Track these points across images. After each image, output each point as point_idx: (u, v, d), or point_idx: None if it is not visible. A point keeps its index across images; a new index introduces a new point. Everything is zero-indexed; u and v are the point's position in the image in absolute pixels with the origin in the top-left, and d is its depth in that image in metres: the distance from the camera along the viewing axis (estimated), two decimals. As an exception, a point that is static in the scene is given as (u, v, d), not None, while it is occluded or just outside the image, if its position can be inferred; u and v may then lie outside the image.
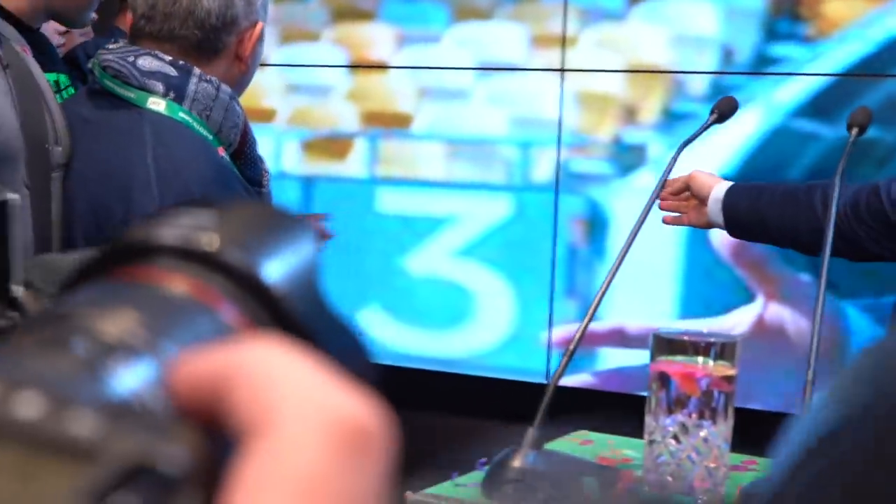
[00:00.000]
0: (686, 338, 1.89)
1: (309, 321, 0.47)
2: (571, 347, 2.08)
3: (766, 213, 2.29)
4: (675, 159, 2.31)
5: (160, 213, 0.50)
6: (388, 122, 4.28)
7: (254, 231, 0.51)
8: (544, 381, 3.90)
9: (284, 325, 0.47)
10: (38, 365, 0.41)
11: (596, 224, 3.89)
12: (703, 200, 2.45)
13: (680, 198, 2.50)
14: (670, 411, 1.87)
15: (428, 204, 4.17)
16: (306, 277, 0.50)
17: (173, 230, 0.49)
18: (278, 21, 4.14)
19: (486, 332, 4.11)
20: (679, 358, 1.88)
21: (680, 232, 3.62)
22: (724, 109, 2.47)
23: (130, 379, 0.42)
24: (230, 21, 2.00)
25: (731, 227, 2.45)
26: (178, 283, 0.47)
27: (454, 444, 2.08)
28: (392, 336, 4.12)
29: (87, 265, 0.48)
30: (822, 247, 2.08)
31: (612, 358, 3.88)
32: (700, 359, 1.88)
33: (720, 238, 3.53)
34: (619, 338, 3.85)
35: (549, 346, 4.01)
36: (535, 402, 2.21)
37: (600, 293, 2.19)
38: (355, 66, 4.33)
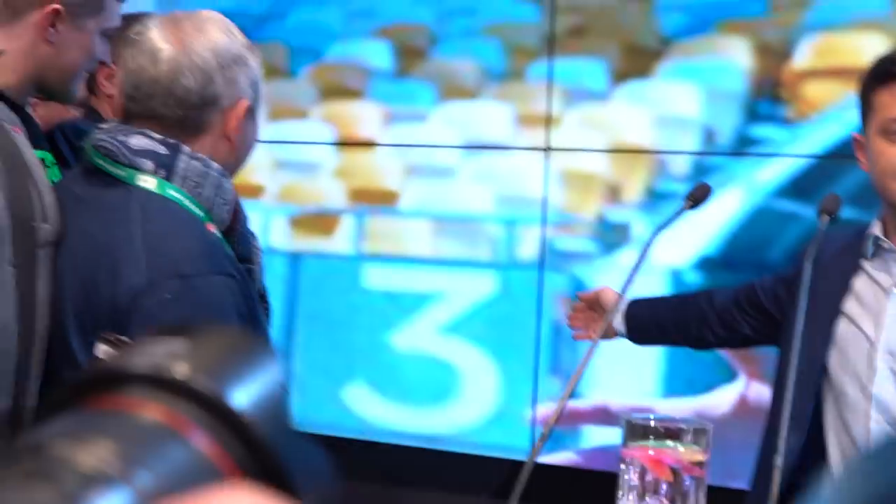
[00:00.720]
0: (657, 423, 1.89)
1: (275, 444, 0.49)
2: (548, 426, 2.06)
3: (663, 316, 2.42)
4: (649, 244, 2.30)
5: (132, 344, 0.52)
6: (374, 199, 4.29)
7: (223, 358, 0.52)
8: (525, 459, 3.94)
9: (252, 449, 0.48)
10: (22, 498, 0.43)
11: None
12: (604, 311, 2.74)
13: (587, 312, 2.81)
14: (642, 496, 1.87)
15: (414, 280, 4.17)
16: (273, 401, 0.51)
17: (145, 358, 0.49)
18: (267, 98, 4.15)
19: (470, 408, 4.09)
20: (650, 443, 1.89)
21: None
22: (697, 196, 2.50)
23: None
24: (211, 99, 2.01)
25: (632, 332, 2.78)
26: (150, 411, 0.48)
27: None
28: (377, 412, 4.11)
29: (61, 393, 0.49)
30: (793, 335, 2.13)
31: (597, 436, 3.87)
32: (671, 443, 1.89)
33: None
34: (604, 415, 3.84)
35: (534, 424, 3.99)
36: (514, 480, 2.24)
37: (578, 370, 2.16)
38: (343, 144, 4.34)
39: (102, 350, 1.60)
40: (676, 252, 3.70)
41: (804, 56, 3.73)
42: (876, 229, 2.38)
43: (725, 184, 3.76)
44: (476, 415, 4.09)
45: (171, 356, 0.50)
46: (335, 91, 4.26)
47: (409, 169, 4.27)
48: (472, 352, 4.08)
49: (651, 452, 1.88)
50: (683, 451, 1.88)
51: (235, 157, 2.13)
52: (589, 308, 2.82)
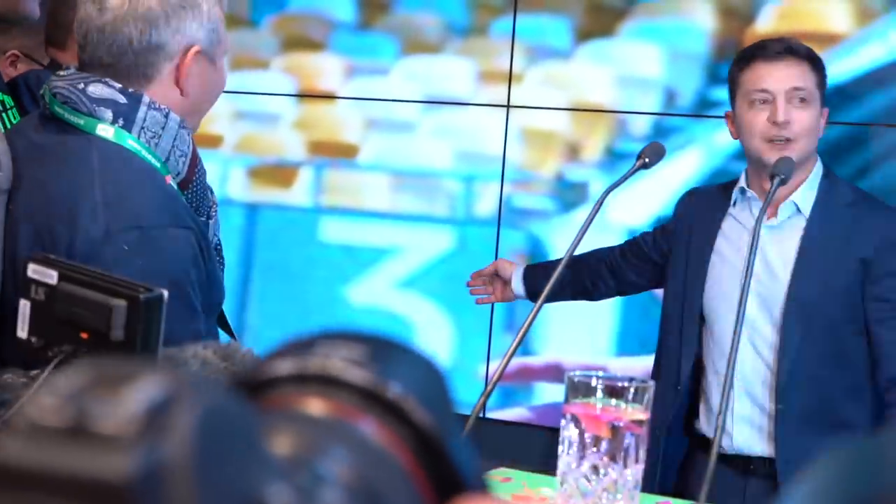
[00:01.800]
0: (599, 381, 1.87)
1: (440, 432, 0.55)
2: (492, 383, 2.16)
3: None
4: (600, 203, 2.38)
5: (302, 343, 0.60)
6: (334, 152, 4.30)
7: (398, 364, 0.60)
8: (480, 415, 3.94)
9: (422, 438, 0.55)
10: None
11: (537, 259, 3.89)
12: (507, 280, 3.26)
13: (486, 282, 3.32)
14: (582, 453, 1.86)
15: (371, 235, 4.19)
16: (436, 395, 0.58)
17: (357, 371, 0.57)
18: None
19: None
20: (592, 400, 1.88)
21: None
22: (650, 155, 2.61)
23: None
24: (155, 47, 1.96)
25: (531, 294, 3.23)
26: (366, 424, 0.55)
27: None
28: (332, 365, 4.11)
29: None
30: (741, 301, 2.26)
31: (549, 393, 3.88)
32: (613, 401, 1.87)
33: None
34: (557, 373, 3.84)
35: (486, 381, 3.99)
36: (470, 435, 2.23)
37: (522, 330, 2.22)
38: (303, 96, 4.35)
39: (32, 269, 1.55)
40: (635, 211, 3.71)
41: (768, 20, 3.76)
42: (741, 181, 2.96)
43: (685, 145, 3.80)
44: None
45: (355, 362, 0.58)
46: (297, 42, 4.25)
47: (369, 123, 4.28)
48: (428, 307, 4.11)
49: (591, 410, 1.86)
50: (624, 409, 1.86)
51: (192, 106, 2.08)
52: (490, 278, 3.32)
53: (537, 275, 3.26)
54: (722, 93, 3.75)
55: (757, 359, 2.92)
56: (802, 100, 2.87)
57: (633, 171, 2.56)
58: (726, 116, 3.00)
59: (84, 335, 1.45)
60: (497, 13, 4.08)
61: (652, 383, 1.92)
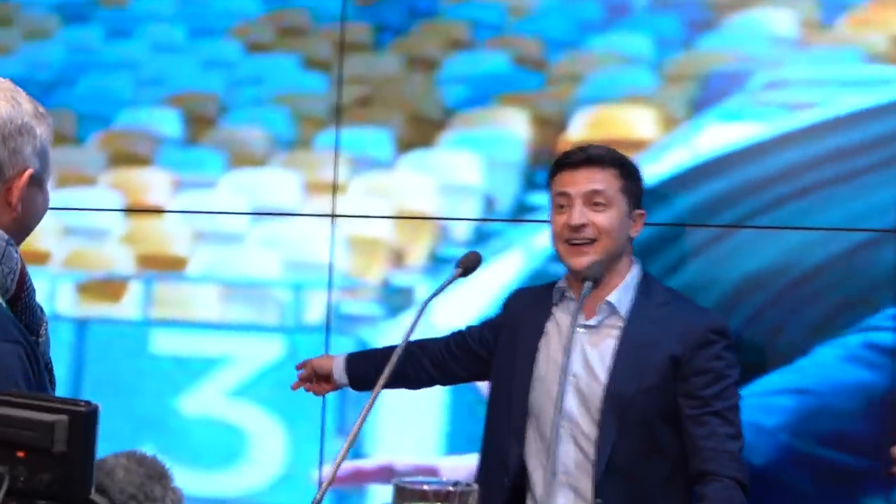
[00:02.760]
0: (425, 487, 1.90)
1: None
2: (323, 488, 2.16)
3: (381, 364, 2.53)
4: (420, 312, 2.48)
5: None
6: (163, 265, 4.24)
7: None
8: None
9: None
10: None
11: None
12: (325, 376, 3.37)
13: (308, 380, 3.42)
14: None
15: (202, 345, 4.13)
16: None
17: None
18: (54, 165, 4.10)
19: (259, 471, 4.07)
20: None
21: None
22: (467, 264, 2.75)
23: None
24: None
25: (354, 381, 3.34)
26: None
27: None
28: (166, 476, 4.04)
29: None
30: (558, 398, 2.26)
31: (382, 494, 3.87)
32: None
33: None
34: (389, 474, 3.84)
35: (320, 484, 3.95)
36: None
37: (352, 434, 2.27)
38: (131, 210, 4.30)
39: None
40: (460, 313, 3.71)
41: (578, 127, 3.83)
42: (562, 282, 3.07)
43: (505, 248, 3.85)
44: (264, 477, 4.07)
45: None
46: (124, 158, 4.21)
47: (197, 235, 4.24)
48: (260, 415, 4.06)
49: None
50: None
51: (20, 226, 2.08)
52: (312, 373, 3.41)
53: (359, 363, 3.36)
54: (538, 198, 3.85)
55: (579, 453, 2.95)
56: (599, 203, 2.96)
57: (451, 281, 2.66)
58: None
59: (20, 454, 1.52)
60: (321, 126, 4.10)
61: (476, 486, 1.94)
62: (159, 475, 1.86)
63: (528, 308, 3.13)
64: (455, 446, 3.80)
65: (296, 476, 3.96)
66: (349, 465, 3.93)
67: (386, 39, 4.10)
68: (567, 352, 2.66)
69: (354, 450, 3.92)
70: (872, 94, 3.56)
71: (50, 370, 2.20)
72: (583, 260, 2.96)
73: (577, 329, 2.89)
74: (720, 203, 3.67)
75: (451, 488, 1.90)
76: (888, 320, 3.51)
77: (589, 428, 2.94)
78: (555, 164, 3.10)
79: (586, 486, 2.95)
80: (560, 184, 3.04)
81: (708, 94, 3.71)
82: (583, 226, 2.97)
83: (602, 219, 2.97)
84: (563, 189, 3.02)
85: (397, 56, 4.08)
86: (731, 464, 2.88)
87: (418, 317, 2.45)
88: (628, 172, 3.06)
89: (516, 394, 3.02)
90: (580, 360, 2.95)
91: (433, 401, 3.83)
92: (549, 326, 3.06)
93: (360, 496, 3.91)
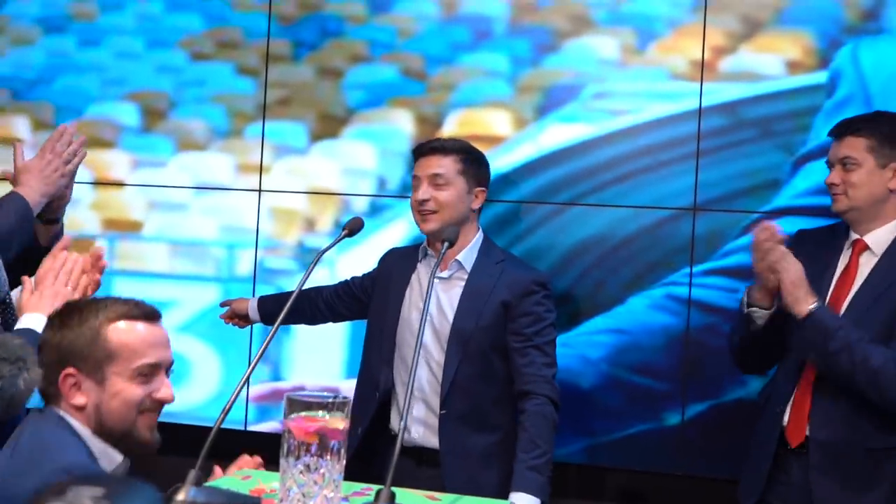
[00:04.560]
0: (308, 398, 1.93)
1: None
2: (229, 403, 2.11)
3: (285, 304, 2.44)
4: (315, 263, 2.47)
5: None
6: (123, 228, 4.22)
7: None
8: (242, 428, 4.00)
9: None
10: None
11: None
12: (243, 315, 3.47)
13: (231, 318, 3.50)
14: (298, 455, 1.91)
15: (154, 291, 4.07)
16: None
17: None
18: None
19: (198, 390, 4.06)
20: (304, 413, 1.92)
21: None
22: (352, 227, 2.80)
23: None
24: None
25: (264, 318, 3.42)
26: None
27: (171, 482, 2.09)
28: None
29: None
30: (419, 332, 2.52)
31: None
32: (321, 413, 1.92)
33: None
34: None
35: (247, 401, 4.02)
36: (234, 445, 2.35)
37: (255, 360, 2.24)
38: (98, 183, 4.25)
39: None
40: (359, 266, 3.64)
41: (451, 126, 3.86)
42: (425, 244, 3.10)
43: (393, 219, 3.86)
44: (203, 395, 4.06)
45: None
46: (93, 142, 4.05)
47: (151, 204, 4.19)
48: (201, 346, 4.07)
49: (302, 421, 1.92)
50: (329, 420, 1.92)
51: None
52: (233, 312, 3.47)
53: (268, 304, 3.44)
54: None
55: (430, 374, 3.01)
56: (440, 183, 3.00)
57: (339, 240, 2.71)
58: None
59: None
60: (250, 119, 4.08)
61: (349, 398, 1.96)
62: (15, 358, 1.83)
63: (398, 264, 3.16)
64: (352, 371, 3.72)
65: (228, 394, 3.68)
66: (270, 385, 3.94)
67: (302, 53, 4.08)
68: (426, 297, 2.64)
69: (274, 373, 3.95)
70: (675, 104, 3.61)
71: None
72: (428, 226, 3.00)
73: (434, 280, 2.86)
74: (558, 186, 3.69)
75: (329, 399, 1.93)
76: (684, 277, 3.56)
77: (439, 355, 3.00)
78: (412, 152, 3.16)
79: (434, 400, 3.01)
80: (415, 168, 3.08)
81: (550, 102, 3.73)
82: (426, 200, 3.01)
83: (442, 195, 3.00)
84: (415, 172, 3.06)
85: (311, 66, 4.05)
86: (546, 385, 2.93)
87: (312, 266, 2.43)
88: (469, 159, 3.06)
89: (387, 330, 3.06)
90: (435, 304, 3.01)
91: (336, 336, 3.85)
92: (414, 278, 3.10)
93: (278, 410, 3.86)
